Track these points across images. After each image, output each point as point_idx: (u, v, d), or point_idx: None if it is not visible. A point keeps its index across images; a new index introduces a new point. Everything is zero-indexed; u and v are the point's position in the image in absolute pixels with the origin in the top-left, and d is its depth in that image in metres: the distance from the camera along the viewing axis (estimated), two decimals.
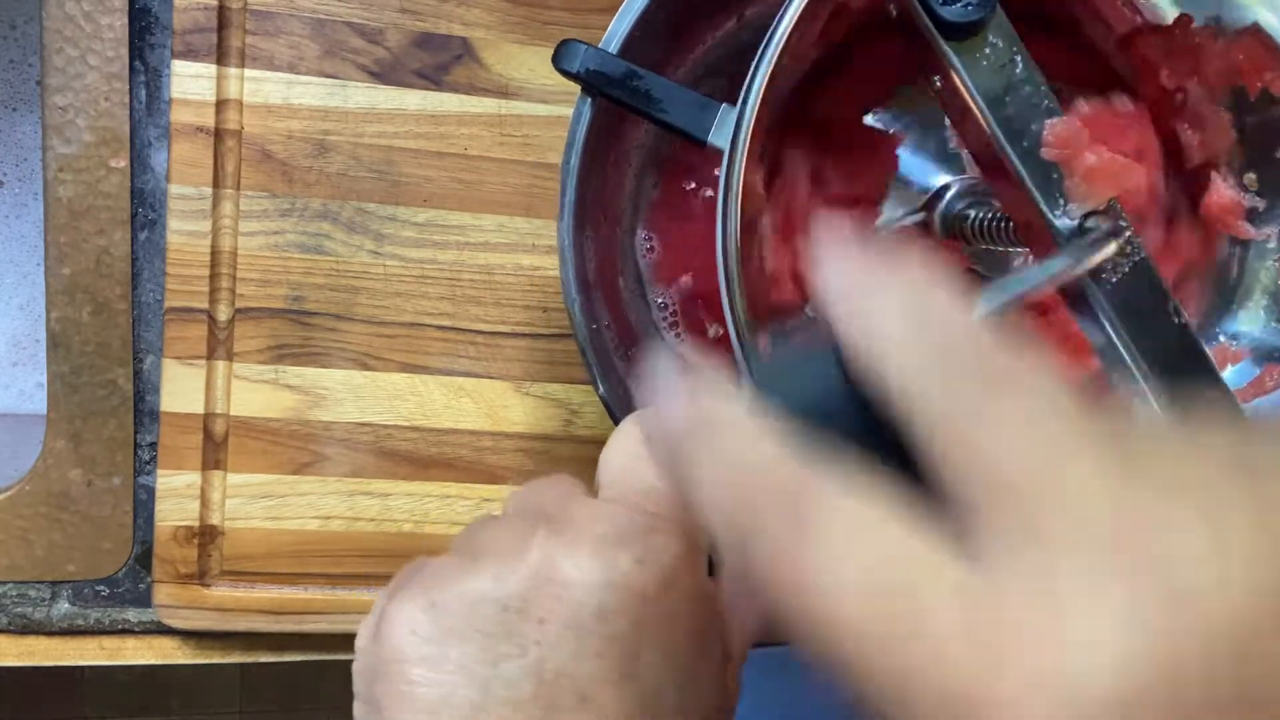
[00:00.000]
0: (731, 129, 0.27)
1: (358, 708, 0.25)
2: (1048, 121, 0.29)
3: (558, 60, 0.35)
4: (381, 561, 0.48)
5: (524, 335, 0.48)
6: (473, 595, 0.24)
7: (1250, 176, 0.36)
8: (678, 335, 0.45)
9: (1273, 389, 0.33)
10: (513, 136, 0.47)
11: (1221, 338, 0.37)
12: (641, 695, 0.23)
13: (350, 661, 0.26)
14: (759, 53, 0.27)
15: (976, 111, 0.29)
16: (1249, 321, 0.36)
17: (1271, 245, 0.36)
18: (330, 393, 0.47)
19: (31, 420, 0.64)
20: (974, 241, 0.38)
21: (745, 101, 0.27)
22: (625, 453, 0.28)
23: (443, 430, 0.48)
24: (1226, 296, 0.37)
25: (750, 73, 0.27)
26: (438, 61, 0.46)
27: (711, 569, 0.28)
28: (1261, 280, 0.36)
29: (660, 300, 0.44)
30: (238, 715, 1.36)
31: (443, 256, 0.47)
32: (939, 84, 0.31)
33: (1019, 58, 0.29)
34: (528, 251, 0.48)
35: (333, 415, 0.47)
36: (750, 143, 0.27)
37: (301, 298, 0.46)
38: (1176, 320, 0.30)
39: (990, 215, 0.36)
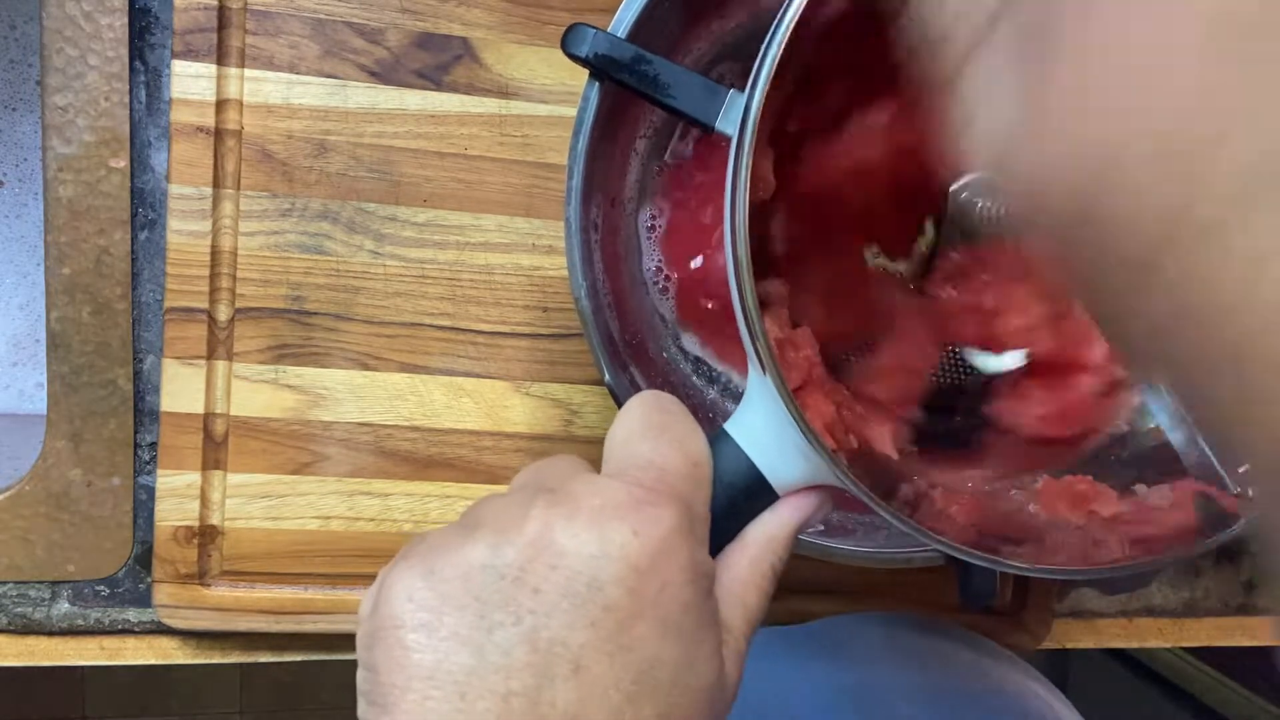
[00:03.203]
0: (739, 114, 0.27)
1: (360, 674, 0.25)
2: None
3: (566, 44, 0.35)
4: (381, 561, 0.48)
5: (524, 335, 0.48)
6: (470, 563, 0.24)
7: None
8: (668, 297, 0.45)
9: None
10: (513, 136, 0.47)
11: None
12: (635, 667, 0.24)
13: (350, 662, 0.26)
14: (768, 36, 0.27)
15: None
16: None
17: None
18: (330, 393, 0.47)
19: (31, 420, 0.64)
20: (981, 230, 0.38)
21: (754, 86, 0.27)
22: (627, 430, 0.28)
23: (443, 430, 0.48)
24: None
25: (759, 57, 0.27)
26: (438, 61, 0.46)
27: (711, 547, 0.28)
28: None
29: (653, 265, 0.44)
30: (238, 715, 1.36)
31: (443, 256, 0.47)
32: None
33: None
34: (528, 251, 0.48)
35: (333, 415, 0.47)
36: (759, 129, 0.26)
37: (301, 298, 0.46)
38: None
39: (999, 206, 0.36)
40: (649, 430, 0.28)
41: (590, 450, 0.49)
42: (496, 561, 0.24)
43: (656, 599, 0.24)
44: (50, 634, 0.48)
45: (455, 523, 0.27)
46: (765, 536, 0.29)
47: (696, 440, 0.28)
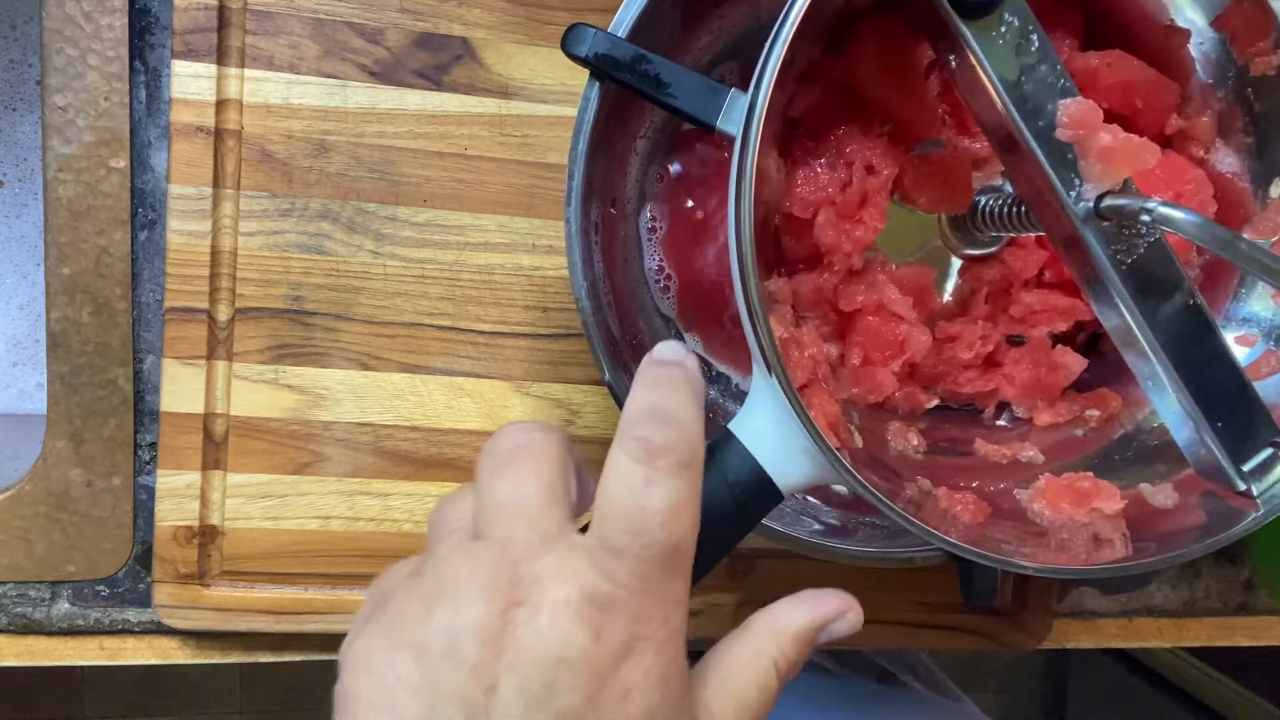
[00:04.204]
0: (741, 113, 0.27)
1: None
2: (1062, 101, 0.29)
3: (566, 44, 0.35)
4: (381, 561, 0.48)
5: (524, 335, 0.48)
6: (428, 645, 0.23)
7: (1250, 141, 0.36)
8: (669, 296, 0.45)
9: (1268, 374, 0.33)
10: (513, 136, 0.47)
11: (1234, 323, 0.37)
12: None
13: None
14: (772, 35, 0.27)
15: (992, 91, 0.29)
16: (1260, 306, 0.36)
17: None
18: (330, 393, 0.47)
19: (31, 420, 0.64)
20: (984, 229, 0.38)
21: (758, 85, 0.27)
22: (618, 481, 0.25)
23: (443, 430, 0.48)
24: (1238, 281, 0.37)
25: (763, 55, 0.27)
26: (438, 61, 0.46)
27: (713, 551, 0.27)
28: None
29: (654, 264, 0.44)
30: (238, 715, 1.35)
31: (443, 256, 0.47)
32: (954, 64, 0.31)
33: (1034, 36, 0.29)
34: (528, 251, 0.48)
35: (333, 415, 0.47)
36: (763, 127, 0.26)
37: (301, 298, 0.46)
38: (1191, 301, 0.30)
39: (1000, 201, 0.36)
40: (639, 468, 0.25)
41: (590, 450, 0.49)
42: (454, 651, 0.23)
43: (619, 706, 0.23)
44: (50, 634, 0.48)
45: (418, 573, 0.25)
46: (772, 628, 0.27)
47: (691, 455, 0.25)
